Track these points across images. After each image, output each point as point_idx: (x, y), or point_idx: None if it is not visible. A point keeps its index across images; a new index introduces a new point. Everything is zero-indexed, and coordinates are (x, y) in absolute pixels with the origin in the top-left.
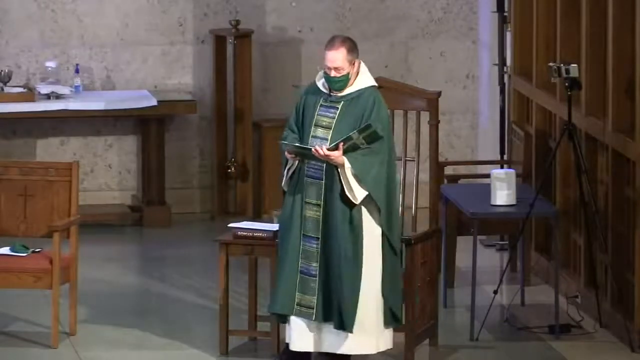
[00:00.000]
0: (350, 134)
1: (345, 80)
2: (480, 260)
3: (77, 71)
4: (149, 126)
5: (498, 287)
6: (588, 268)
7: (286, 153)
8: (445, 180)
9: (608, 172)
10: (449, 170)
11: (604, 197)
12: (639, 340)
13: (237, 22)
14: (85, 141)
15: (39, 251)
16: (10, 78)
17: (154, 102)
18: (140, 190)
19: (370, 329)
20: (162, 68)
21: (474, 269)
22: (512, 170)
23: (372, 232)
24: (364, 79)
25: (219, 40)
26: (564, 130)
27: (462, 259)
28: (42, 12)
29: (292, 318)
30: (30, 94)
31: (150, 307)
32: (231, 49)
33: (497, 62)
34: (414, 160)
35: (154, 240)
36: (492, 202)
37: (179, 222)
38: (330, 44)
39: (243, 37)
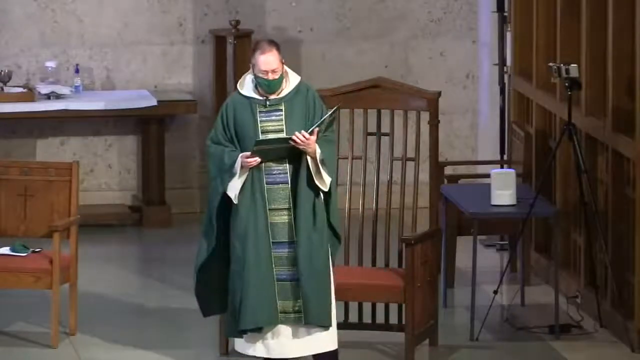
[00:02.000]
0: (325, 116)
1: (281, 81)
2: (480, 260)
3: (77, 71)
4: (149, 126)
5: (498, 287)
6: (588, 268)
7: (245, 160)
8: (445, 180)
9: (608, 172)
10: (449, 170)
11: (604, 197)
12: (639, 340)
13: (237, 22)
14: (85, 141)
15: (39, 251)
16: (10, 78)
17: (154, 102)
18: (140, 190)
19: (334, 323)
20: (162, 68)
21: (474, 269)
22: (512, 170)
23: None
24: (293, 77)
25: (219, 40)
26: (564, 130)
27: (462, 259)
28: (42, 12)
29: (270, 327)
30: (30, 94)
31: (150, 307)
32: (231, 49)
33: (497, 62)
34: (414, 160)
35: (154, 240)
36: (492, 202)
37: (179, 222)
38: (261, 48)
39: (243, 37)
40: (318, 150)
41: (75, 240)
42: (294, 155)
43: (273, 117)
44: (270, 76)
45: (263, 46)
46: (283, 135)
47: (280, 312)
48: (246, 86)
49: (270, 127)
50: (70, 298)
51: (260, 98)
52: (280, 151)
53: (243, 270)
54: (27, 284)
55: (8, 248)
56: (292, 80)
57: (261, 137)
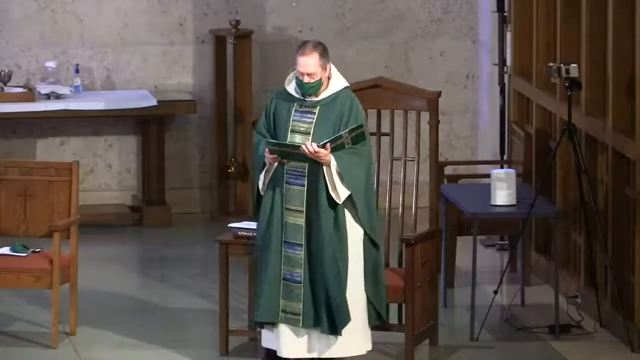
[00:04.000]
0: (341, 132)
1: (318, 86)
2: (480, 260)
3: (77, 71)
4: (149, 126)
5: (498, 287)
6: (588, 268)
7: (267, 155)
8: (445, 180)
9: (608, 172)
10: (449, 170)
11: (604, 197)
12: (639, 340)
13: (237, 22)
14: (85, 141)
15: (39, 251)
16: (10, 78)
17: (154, 102)
18: (140, 190)
19: (357, 329)
20: (162, 68)
21: (474, 269)
22: (512, 170)
23: (353, 233)
24: (337, 82)
25: (219, 40)
26: (564, 130)
27: (462, 259)
28: (42, 12)
29: (280, 325)
30: (30, 94)
31: (150, 307)
32: (231, 49)
33: (497, 62)
34: (414, 160)
35: (154, 240)
36: (492, 202)
37: (179, 222)
38: (303, 49)
39: (243, 37)
40: (333, 163)
41: (76, 240)
42: (315, 160)
43: (305, 119)
44: (306, 79)
45: (305, 47)
46: (309, 137)
47: (282, 312)
48: (292, 82)
49: (300, 128)
50: (70, 298)
51: (299, 97)
52: (298, 154)
53: (261, 263)
54: (27, 284)
55: (8, 248)
56: (335, 85)
57: (289, 135)
